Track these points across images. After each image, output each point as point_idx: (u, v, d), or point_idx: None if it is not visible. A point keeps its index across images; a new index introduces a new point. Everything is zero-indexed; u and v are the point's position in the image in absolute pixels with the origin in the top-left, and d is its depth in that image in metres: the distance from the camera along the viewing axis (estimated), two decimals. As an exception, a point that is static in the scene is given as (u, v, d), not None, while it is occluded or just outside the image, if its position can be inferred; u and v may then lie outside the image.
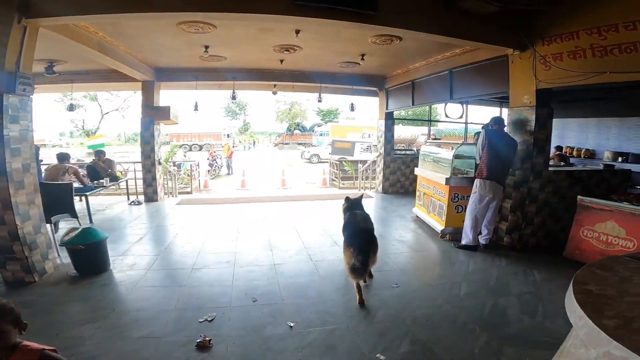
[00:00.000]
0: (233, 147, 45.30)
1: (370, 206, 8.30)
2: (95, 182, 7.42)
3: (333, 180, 14.90)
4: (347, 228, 3.96)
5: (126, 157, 19.37)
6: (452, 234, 5.61)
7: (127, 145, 61.48)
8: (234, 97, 8.49)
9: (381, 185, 9.54)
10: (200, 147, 42.27)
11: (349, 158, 18.82)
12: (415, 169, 6.99)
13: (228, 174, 18.32)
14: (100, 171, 7.76)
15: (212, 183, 15.43)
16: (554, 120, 5.03)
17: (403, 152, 11.26)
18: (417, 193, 6.89)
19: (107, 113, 38.43)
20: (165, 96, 8.76)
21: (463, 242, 5.24)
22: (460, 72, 6.47)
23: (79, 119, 37.42)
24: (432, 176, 6.02)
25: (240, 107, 54.69)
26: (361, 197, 4.64)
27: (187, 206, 8.09)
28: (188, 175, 13.13)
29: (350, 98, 10.28)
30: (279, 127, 49.78)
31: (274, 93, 10.14)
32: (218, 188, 14.12)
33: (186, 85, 8.71)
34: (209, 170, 17.63)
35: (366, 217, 4.12)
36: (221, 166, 17.94)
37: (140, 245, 5.34)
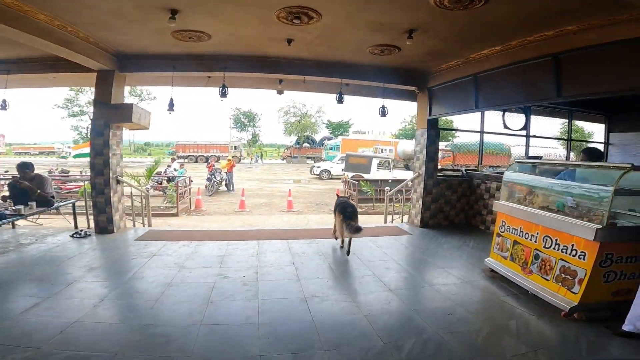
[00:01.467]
0: (240, 159, 43.67)
1: (408, 247, 5.78)
2: (16, 206, 5.08)
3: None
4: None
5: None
6: (589, 313, 3.10)
7: (137, 155, 60.41)
8: (223, 94, 6.11)
9: (419, 217, 7.01)
10: (207, 159, 40.35)
11: (365, 176, 16.40)
12: (496, 202, 4.49)
13: (228, 190, 15.98)
14: (28, 192, 5.43)
15: (208, 202, 13.06)
16: None
17: (445, 173, 8.75)
18: (498, 239, 4.37)
19: (112, 121, 36.90)
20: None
21: (627, 327, 2.79)
22: (580, 56, 4.03)
23: (83, 127, 35.77)
24: (547, 221, 3.51)
25: (249, 119, 53.00)
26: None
27: (151, 243, 5.66)
28: (174, 192, 10.78)
29: (378, 102, 7.86)
30: (287, 139, 47.79)
31: (280, 93, 7.79)
32: (212, 209, 11.73)
33: (162, 78, 6.42)
34: (206, 186, 15.31)
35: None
36: (220, 182, 15.63)
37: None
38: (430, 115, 6.95)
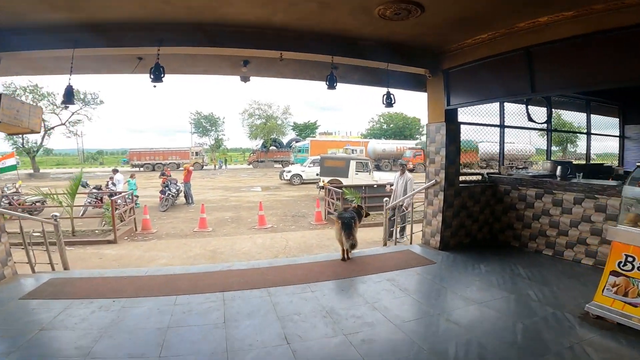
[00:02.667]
0: (203, 165, 40.48)
1: (444, 287, 4.05)
2: None
3: (330, 213, 10.59)
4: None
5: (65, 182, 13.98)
6: None
7: (87, 165, 54.88)
8: (157, 77, 4.01)
9: (438, 237, 5.33)
10: (163, 169, 36.91)
11: (344, 180, 14.68)
12: (614, 229, 2.85)
13: (187, 203, 13.60)
14: None
15: (161, 220, 10.70)
16: None
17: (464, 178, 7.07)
18: (616, 279, 2.77)
19: (52, 129, 32.45)
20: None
21: None
22: None
23: (18, 136, 31.09)
24: None
25: (211, 123, 49.78)
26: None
27: (46, 303, 3.49)
28: (109, 211, 8.40)
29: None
30: (253, 143, 45.18)
31: (245, 79, 5.84)
32: (165, 229, 9.43)
33: (52, 60, 4.26)
34: (161, 200, 12.87)
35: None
36: (176, 194, 13.23)
37: None
38: (448, 104, 5.28)
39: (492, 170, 6.47)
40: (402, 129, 52.02)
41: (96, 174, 30.33)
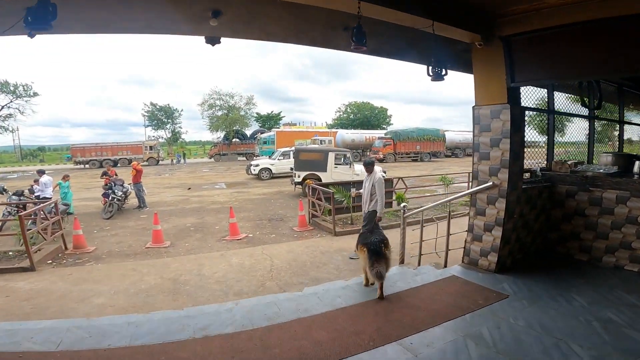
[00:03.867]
0: (158, 160, 36.70)
1: (540, 341, 2.54)
2: None
3: (314, 216, 8.88)
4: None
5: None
6: None
7: (26, 163, 48.31)
8: (39, 22, 2.11)
9: (494, 255, 3.84)
10: (115, 163, 33.03)
11: (322, 175, 13.01)
12: None
13: (139, 207, 11.23)
14: None
15: (102, 232, 8.40)
16: None
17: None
18: None
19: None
20: None
21: None
22: None
23: None
24: None
25: (167, 115, 45.71)
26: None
27: None
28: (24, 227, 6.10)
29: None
30: (213, 136, 42.00)
31: (213, 41, 4.02)
32: (108, 246, 7.20)
33: None
34: (104, 205, 10.43)
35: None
36: (123, 198, 10.82)
37: None
38: (513, 81, 3.72)
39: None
40: (369, 118, 51.16)
41: (31, 174, 26.17)
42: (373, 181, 5.42)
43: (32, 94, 29.04)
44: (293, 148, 19.05)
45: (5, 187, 9.00)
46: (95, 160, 32.99)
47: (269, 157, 28.24)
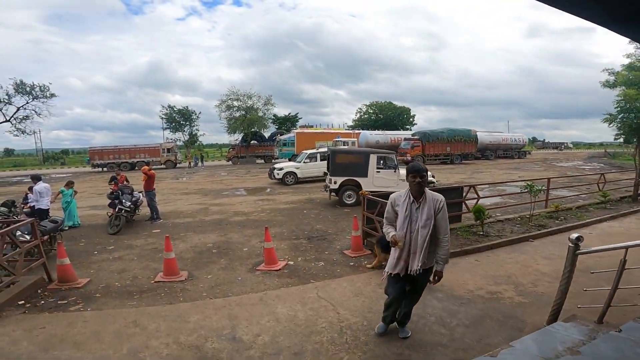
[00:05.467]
0: (176, 163, 35.16)
1: None
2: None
3: (370, 235, 6.85)
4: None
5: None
6: None
7: (47, 166, 47.81)
8: None
9: None
10: (133, 166, 31.80)
11: (362, 180, 11.01)
12: None
13: (152, 220, 9.46)
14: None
15: (103, 254, 6.59)
16: None
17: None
18: None
19: (-4, 125, 26.72)
20: None
21: None
22: None
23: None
24: None
25: (185, 117, 44.53)
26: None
27: None
28: None
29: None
30: (231, 138, 40.48)
31: None
32: (105, 277, 5.34)
33: None
34: (110, 217, 8.70)
35: None
36: (134, 208, 9.08)
37: None
38: None
39: None
40: (392, 118, 48.77)
41: (51, 177, 25.05)
42: (435, 209, 3.02)
43: (48, 95, 27.97)
44: (324, 149, 17.16)
45: (-9, 197, 7.32)
46: (113, 163, 31.82)
47: (289, 159, 26.49)
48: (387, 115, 49.60)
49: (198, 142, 46.88)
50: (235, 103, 36.99)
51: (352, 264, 5.98)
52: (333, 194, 11.40)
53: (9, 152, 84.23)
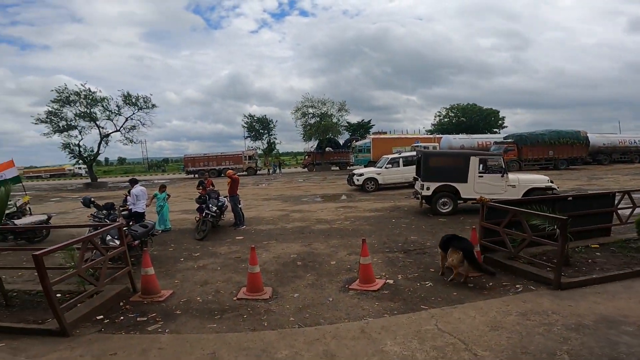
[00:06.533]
0: (256, 170, 36.68)
1: None
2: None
3: (487, 250, 5.38)
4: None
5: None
6: None
7: (151, 173, 54.37)
8: None
9: None
10: (219, 173, 33.95)
11: (460, 186, 9.38)
12: None
13: (235, 226, 9.19)
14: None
15: (189, 263, 6.29)
16: None
17: None
18: None
19: (108, 135, 30.73)
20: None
21: None
22: None
23: (74, 144, 29.70)
24: None
25: (264, 126, 46.57)
26: None
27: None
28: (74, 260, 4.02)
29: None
30: (304, 146, 40.92)
31: None
32: (188, 290, 4.89)
33: None
34: (197, 221, 8.62)
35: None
36: (219, 213, 8.89)
37: None
38: None
39: None
40: (477, 122, 44.39)
41: (154, 182, 27.85)
42: None
43: (150, 105, 31.18)
44: (410, 153, 15.73)
45: (93, 199, 7.64)
46: (203, 170, 34.31)
47: (364, 166, 25.31)
48: (471, 118, 45.21)
49: (275, 150, 48.59)
50: (310, 110, 37.23)
51: (471, 285, 4.64)
52: (424, 201, 9.94)
53: (121, 160, 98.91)
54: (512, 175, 9.60)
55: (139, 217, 7.90)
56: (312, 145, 38.87)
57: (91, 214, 7.65)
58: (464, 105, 44.81)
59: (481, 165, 9.59)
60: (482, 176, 9.42)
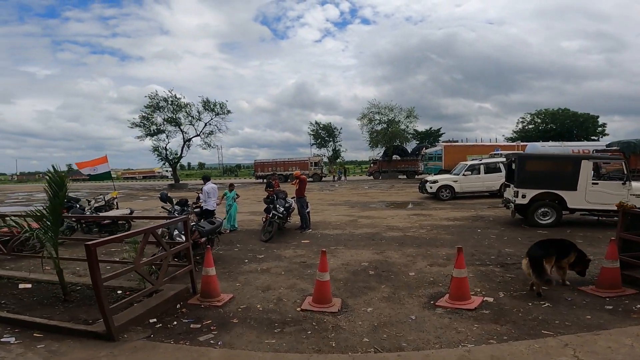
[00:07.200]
0: (322, 176, 36.58)
1: None
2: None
3: (629, 267, 4.01)
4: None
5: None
6: None
7: (225, 177, 58.12)
8: None
9: None
10: (286, 179, 34.61)
11: (567, 195, 7.73)
12: None
13: (302, 229, 8.73)
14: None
15: (252, 265, 5.90)
16: None
17: None
18: None
19: (190, 139, 33.28)
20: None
21: None
22: None
23: (162, 147, 32.70)
24: None
25: (329, 133, 46.78)
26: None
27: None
28: (136, 253, 3.73)
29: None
30: (370, 154, 39.84)
31: None
32: (246, 296, 4.41)
33: None
34: (264, 222, 8.34)
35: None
36: (286, 215, 8.50)
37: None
38: None
39: None
40: (570, 128, 38.81)
41: (226, 185, 29.32)
42: None
43: (226, 111, 33.00)
44: (500, 159, 14.04)
45: (168, 194, 7.79)
46: (271, 175, 35.35)
47: (434, 174, 23.39)
48: (563, 125, 39.54)
49: (340, 158, 48.36)
50: (377, 116, 36.14)
51: (609, 307, 3.41)
52: (517, 211, 8.39)
53: (201, 165, 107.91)
54: (636, 183, 7.62)
55: (209, 214, 7.85)
56: (379, 152, 37.68)
57: (166, 209, 7.81)
58: (553, 111, 39.41)
59: (603, 169, 7.82)
60: (597, 183, 7.62)
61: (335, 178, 36.31)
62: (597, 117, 39.73)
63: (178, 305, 4.06)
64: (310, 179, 34.11)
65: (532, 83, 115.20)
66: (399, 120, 35.91)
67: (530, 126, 42.68)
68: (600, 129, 39.41)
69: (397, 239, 7.40)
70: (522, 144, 28.59)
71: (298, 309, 3.99)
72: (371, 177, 36.66)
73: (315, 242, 7.41)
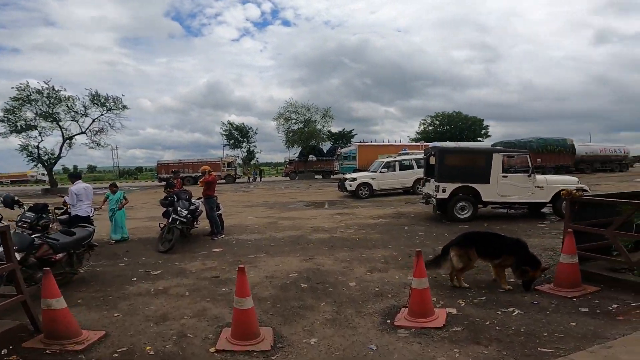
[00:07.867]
0: (235, 178, 34.34)
1: None
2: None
3: (586, 260, 3.80)
4: None
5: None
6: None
7: (122, 181, 50.51)
8: None
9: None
10: (196, 181, 31.35)
11: (481, 188, 7.97)
12: None
13: (212, 235, 7.25)
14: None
15: (145, 284, 4.34)
16: None
17: None
18: None
19: (72, 137, 27.61)
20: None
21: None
22: None
23: (33, 146, 26.48)
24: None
25: (242, 134, 44.52)
26: None
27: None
28: None
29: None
30: (286, 154, 39.09)
31: None
32: (125, 343, 3.01)
33: None
34: (162, 229, 6.62)
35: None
36: (191, 219, 6.95)
37: None
38: None
39: None
40: (462, 130, 44.16)
41: (124, 189, 25.01)
42: None
43: (121, 107, 28.36)
44: (416, 156, 14.42)
45: (17, 199, 5.52)
46: (173, 174, 31.70)
47: (346, 173, 23.80)
48: (457, 126, 45.03)
49: (255, 159, 46.49)
50: (294, 116, 35.58)
51: (584, 309, 3.06)
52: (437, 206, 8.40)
53: (91, 168, 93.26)
54: (539, 176, 8.27)
55: (80, 221, 5.82)
56: (295, 152, 37.13)
57: (19, 216, 5.52)
58: (449, 114, 44.72)
59: (514, 163, 8.28)
60: (506, 176, 8.02)
61: (250, 179, 34.50)
62: (483, 120, 46.40)
63: (4, 351, 2.43)
64: (222, 181, 31.64)
65: (428, 90, 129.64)
66: (316, 120, 35.95)
67: (430, 127, 47.50)
68: (484, 130, 46.06)
69: (325, 242, 6.57)
70: (425, 144, 31.20)
71: (212, 349, 2.75)
72: (287, 178, 35.87)
73: (229, 250, 6.10)
